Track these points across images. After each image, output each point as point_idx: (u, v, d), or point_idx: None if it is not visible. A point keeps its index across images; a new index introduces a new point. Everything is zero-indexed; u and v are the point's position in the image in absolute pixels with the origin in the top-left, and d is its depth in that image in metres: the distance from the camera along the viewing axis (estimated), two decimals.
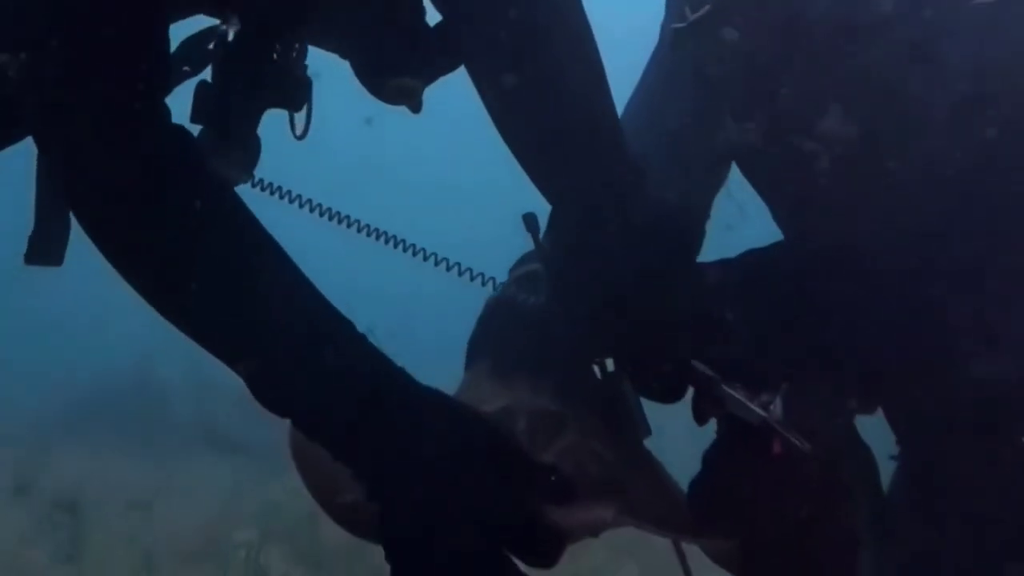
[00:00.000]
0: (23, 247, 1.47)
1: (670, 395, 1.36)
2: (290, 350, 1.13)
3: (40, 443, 6.08)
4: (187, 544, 3.53)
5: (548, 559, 1.08)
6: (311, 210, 1.45)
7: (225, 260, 1.16)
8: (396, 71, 1.36)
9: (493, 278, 1.50)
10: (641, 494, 1.31)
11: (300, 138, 1.53)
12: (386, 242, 1.45)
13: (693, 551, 1.45)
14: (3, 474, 4.42)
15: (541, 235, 1.50)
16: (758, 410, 1.26)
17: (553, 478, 1.15)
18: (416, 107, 1.41)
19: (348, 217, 1.44)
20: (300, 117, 1.51)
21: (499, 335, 1.49)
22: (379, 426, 1.11)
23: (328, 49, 1.48)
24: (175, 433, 7.49)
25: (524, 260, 1.72)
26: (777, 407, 1.27)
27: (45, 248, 1.46)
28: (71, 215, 1.34)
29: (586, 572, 2.81)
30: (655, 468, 1.42)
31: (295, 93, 1.47)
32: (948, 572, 1.92)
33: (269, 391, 1.13)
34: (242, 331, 1.15)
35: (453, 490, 1.09)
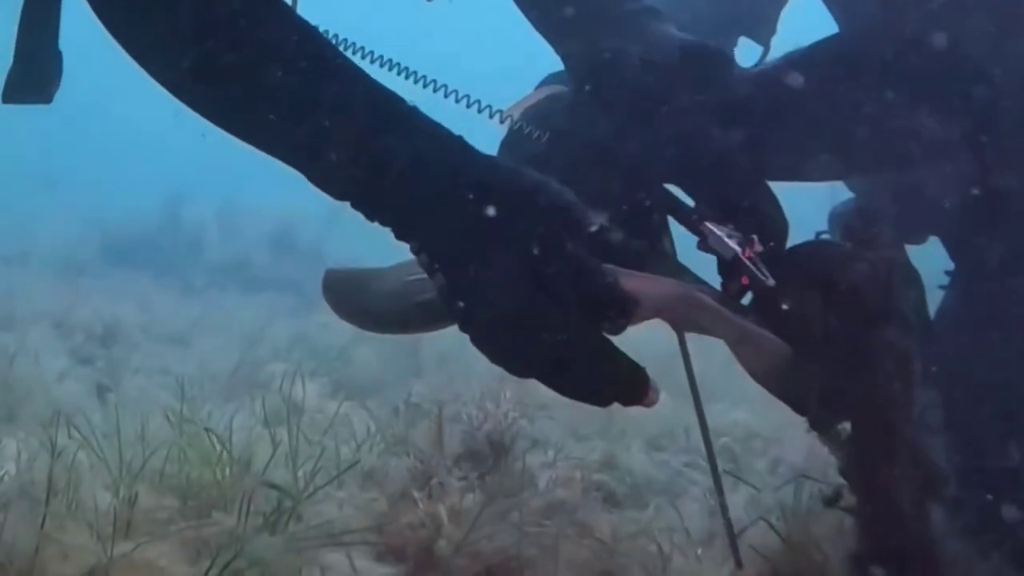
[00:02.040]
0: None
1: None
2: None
3: (74, 279, 6.15)
4: (221, 376, 3.57)
5: (619, 323, 1.12)
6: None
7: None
8: None
9: (500, 110, 1.48)
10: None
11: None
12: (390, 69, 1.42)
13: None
14: (36, 310, 4.46)
15: None
16: (733, 245, 1.29)
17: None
18: None
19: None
20: None
21: None
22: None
23: None
24: (207, 270, 7.56)
25: (545, 81, 1.68)
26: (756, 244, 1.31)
27: (30, 83, 1.38)
28: (58, 47, 1.35)
29: None
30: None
31: None
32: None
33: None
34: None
35: (531, 259, 1.09)
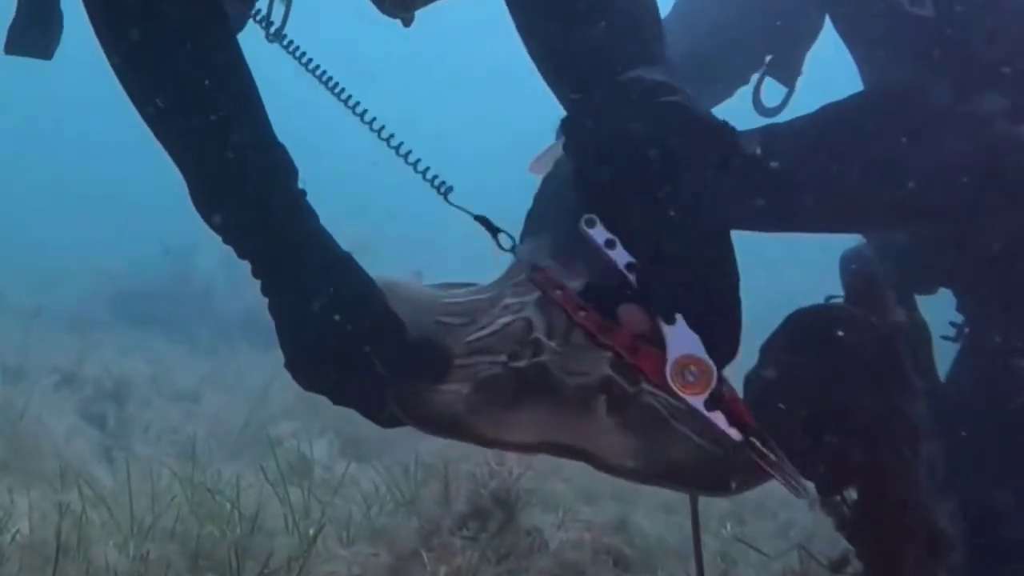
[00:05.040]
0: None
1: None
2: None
3: (83, 335, 6.17)
4: (230, 433, 3.58)
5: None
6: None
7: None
8: None
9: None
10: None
11: (281, 29, 1.57)
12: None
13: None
14: (48, 365, 4.48)
15: None
16: (733, 433, 1.22)
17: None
18: (408, 21, 1.48)
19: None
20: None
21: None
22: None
23: None
24: (216, 324, 7.57)
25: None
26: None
27: (30, 37, 1.48)
28: (59, 6, 1.46)
29: None
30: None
31: None
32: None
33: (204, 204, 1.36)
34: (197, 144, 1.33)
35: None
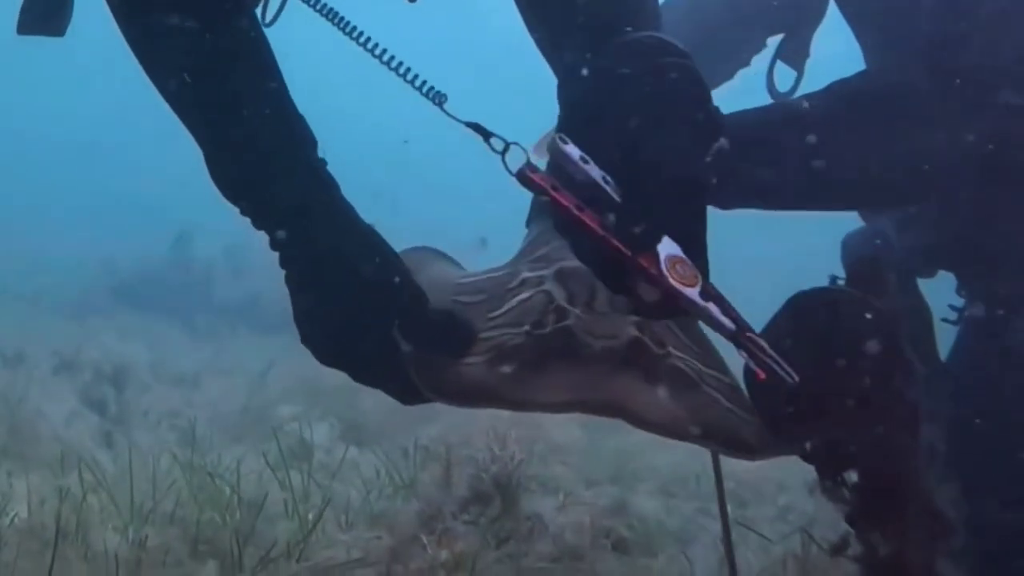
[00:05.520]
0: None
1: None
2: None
3: (83, 320, 6.17)
4: (230, 418, 3.58)
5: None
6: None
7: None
8: None
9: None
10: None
11: (268, 24, 1.57)
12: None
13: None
14: (47, 350, 4.48)
15: None
16: (727, 323, 1.24)
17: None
18: None
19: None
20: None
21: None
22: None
23: None
24: (216, 309, 7.56)
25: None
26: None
27: (42, 14, 1.48)
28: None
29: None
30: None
31: None
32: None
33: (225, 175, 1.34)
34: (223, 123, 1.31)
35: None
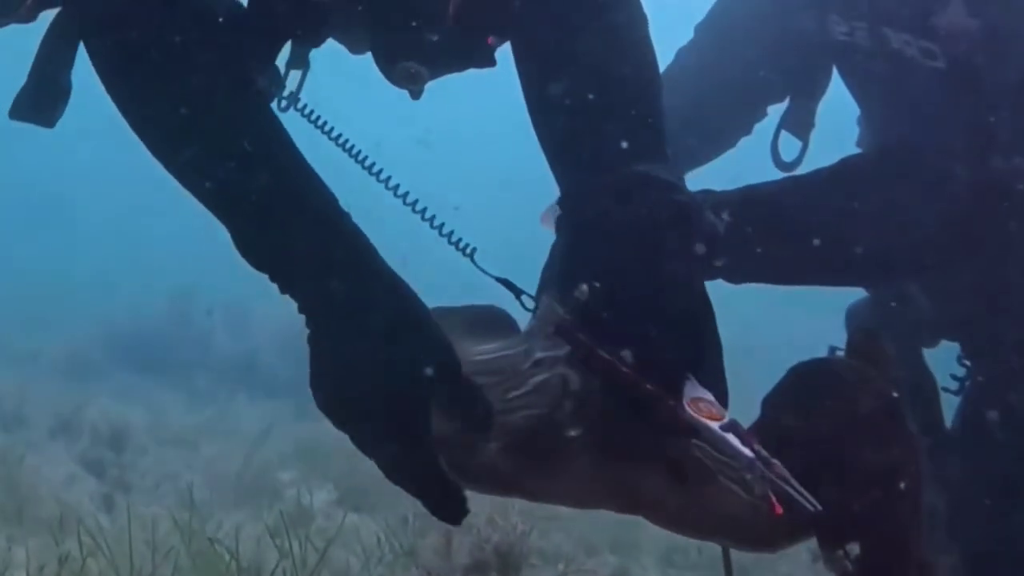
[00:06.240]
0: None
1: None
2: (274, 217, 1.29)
3: (81, 380, 6.15)
4: (229, 482, 3.56)
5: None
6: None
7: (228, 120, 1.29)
8: (407, 56, 1.44)
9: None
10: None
11: (295, 95, 1.60)
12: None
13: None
14: (45, 412, 4.47)
15: None
16: (745, 451, 1.25)
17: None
18: (417, 94, 1.50)
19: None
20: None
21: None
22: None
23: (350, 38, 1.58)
24: (215, 371, 7.54)
25: None
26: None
27: (36, 105, 1.49)
28: (70, 79, 1.47)
29: None
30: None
31: (317, 30, 1.52)
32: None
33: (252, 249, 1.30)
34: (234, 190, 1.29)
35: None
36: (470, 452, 1.32)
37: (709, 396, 1.31)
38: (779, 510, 1.22)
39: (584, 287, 1.35)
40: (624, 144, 1.46)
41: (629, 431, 1.32)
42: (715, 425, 1.27)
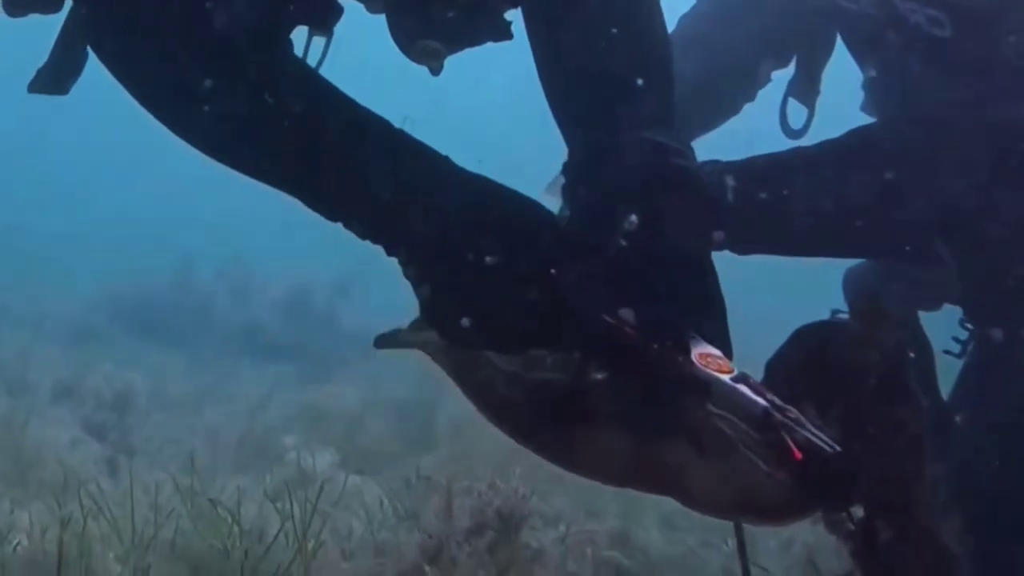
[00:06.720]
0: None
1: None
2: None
3: (86, 344, 6.16)
4: (232, 446, 3.57)
5: None
6: None
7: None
8: (425, 34, 1.47)
9: None
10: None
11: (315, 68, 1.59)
12: None
13: None
14: (49, 376, 4.48)
15: None
16: (758, 399, 1.26)
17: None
18: (436, 70, 1.52)
19: None
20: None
21: None
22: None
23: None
24: (218, 336, 7.55)
25: None
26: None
27: (56, 78, 1.53)
28: (89, 53, 1.49)
29: None
30: None
31: (325, 15, 1.56)
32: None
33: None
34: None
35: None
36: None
37: (716, 351, 1.33)
38: (797, 454, 1.22)
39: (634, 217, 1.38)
40: (632, 109, 1.49)
41: (646, 404, 1.34)
42: (726, 378, 1.28)
